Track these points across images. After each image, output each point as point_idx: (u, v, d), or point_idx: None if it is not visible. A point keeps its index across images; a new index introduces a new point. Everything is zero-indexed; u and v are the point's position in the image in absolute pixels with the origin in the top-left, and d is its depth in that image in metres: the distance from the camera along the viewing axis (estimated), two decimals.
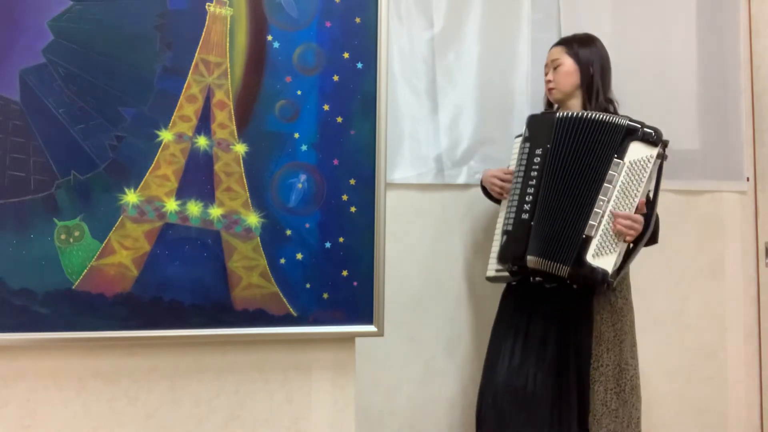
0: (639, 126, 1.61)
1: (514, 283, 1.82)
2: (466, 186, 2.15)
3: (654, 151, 1.60)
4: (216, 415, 1.53)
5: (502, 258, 1.75)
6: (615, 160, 1.60)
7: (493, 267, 1.81)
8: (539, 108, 2.08)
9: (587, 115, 1.66)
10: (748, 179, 2.37)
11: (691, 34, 2.35)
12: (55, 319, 1.39)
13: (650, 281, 2.19)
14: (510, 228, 1.73)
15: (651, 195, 1.64)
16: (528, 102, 2.18)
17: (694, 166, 2.32)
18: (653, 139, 1.60)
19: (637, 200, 1.60)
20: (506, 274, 1.76)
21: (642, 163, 1.59)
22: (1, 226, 1.38)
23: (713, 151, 2.34)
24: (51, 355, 1.45)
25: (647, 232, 1.63)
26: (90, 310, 1.41)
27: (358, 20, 1.56)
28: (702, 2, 2.35)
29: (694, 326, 2.31)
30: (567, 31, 2.11)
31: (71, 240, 1.40)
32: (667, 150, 1.64)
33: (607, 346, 1.72)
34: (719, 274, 2.34)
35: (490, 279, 1.82)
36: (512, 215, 1.73)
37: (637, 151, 1.60)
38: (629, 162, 1.59)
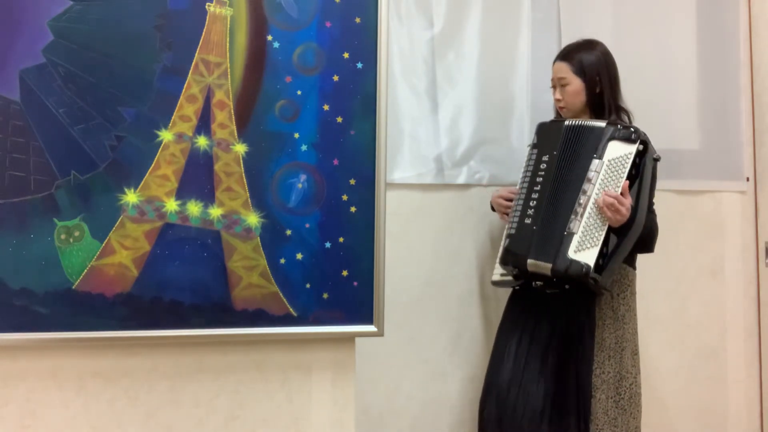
0: (616, 126, 1.67)
1: (517, 288, 1.83)
2: (466, 186, 2.14)
3: (632, 148, 1.64)
4: (216, 415, 1.53)
5: (503, 261, 1.77)
6: (594, 160, 1.65)
7: (498, 271, 1.82)
8: (539, 107, 2.09)
9: (581, 122, 1.73)
10: (748, 179, 2.36)
11: (691, 34, 2.34)
12: (55, 319, 1.39)
13: (650, 281, 2.19)
14: (513, 231, 1.74)
15: (637, 189, 1.65)
16: (528, 102, 2.17)
17: (694, 166, 2.32)
18: (631, 137, 1.64)
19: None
20: (510, 278, 1.77)
21: (621, 160, 1.64)
22: (1, 226, 1.38)
23: (713, 151, 2.33)
24: (51, 355, 1.45)
25: (633, 226, 1.63)
26: (90, 310, 1.41)
27: (358, 20, 1.56)
28: (702, 2, 2.35)
29: (694, 326, 2.31)
30: (567, 31, 2.11)
31: (71, 240, 1.40)
32: (659, 151, 1.70)
33: (608, 354, 1.72)
34: (719, 274, 2.34)
35: (495, 283, 1.84)
36: (516, 219, 1.75)
37: (615, 149, 1.65)
38: (608, 160, 1.64)
